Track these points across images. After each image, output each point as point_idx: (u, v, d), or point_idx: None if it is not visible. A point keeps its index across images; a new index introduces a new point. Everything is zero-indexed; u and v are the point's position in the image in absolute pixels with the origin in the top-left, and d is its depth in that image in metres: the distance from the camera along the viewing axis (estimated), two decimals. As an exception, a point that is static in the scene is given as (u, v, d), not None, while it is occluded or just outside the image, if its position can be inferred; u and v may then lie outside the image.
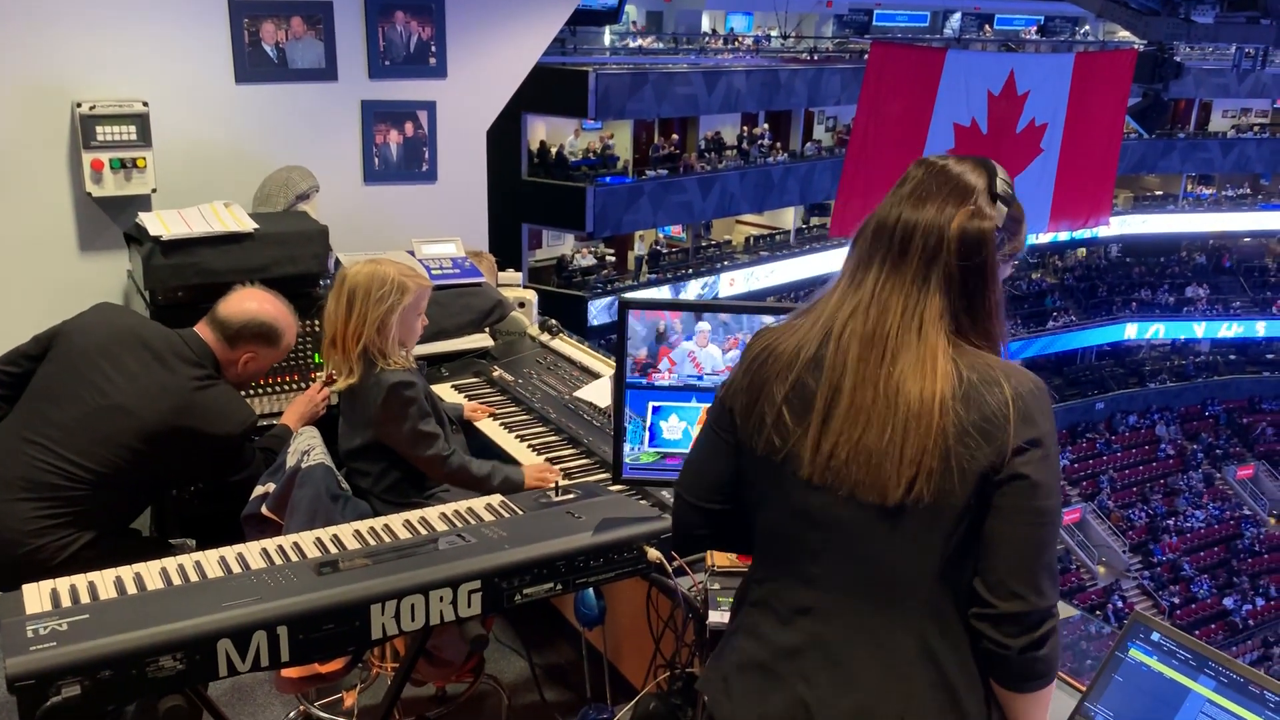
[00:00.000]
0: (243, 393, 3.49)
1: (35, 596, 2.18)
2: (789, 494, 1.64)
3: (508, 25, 4.37)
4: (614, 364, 3.65)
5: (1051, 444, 1.54)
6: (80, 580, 2.25)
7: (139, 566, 2.31)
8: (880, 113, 9.41)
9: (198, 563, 2.35)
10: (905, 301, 1.57)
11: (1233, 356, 26.63)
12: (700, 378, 2.38)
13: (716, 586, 2.37)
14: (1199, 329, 25.96)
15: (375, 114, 4.16)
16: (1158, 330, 26.05)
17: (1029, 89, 9.85)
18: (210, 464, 3.11)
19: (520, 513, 2.61)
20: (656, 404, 2.43)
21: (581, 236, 19.08)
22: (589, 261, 19.20)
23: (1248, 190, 26.98)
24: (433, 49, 4.20)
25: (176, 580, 2.27)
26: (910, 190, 1.62)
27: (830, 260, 21.51)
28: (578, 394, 3.47)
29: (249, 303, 3.14)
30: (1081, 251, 26.85)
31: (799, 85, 19.72)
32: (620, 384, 2.40)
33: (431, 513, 2.61)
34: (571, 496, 2.69)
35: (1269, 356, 26.01)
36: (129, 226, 3.60)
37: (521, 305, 4.07)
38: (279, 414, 3.59)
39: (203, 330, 3.09)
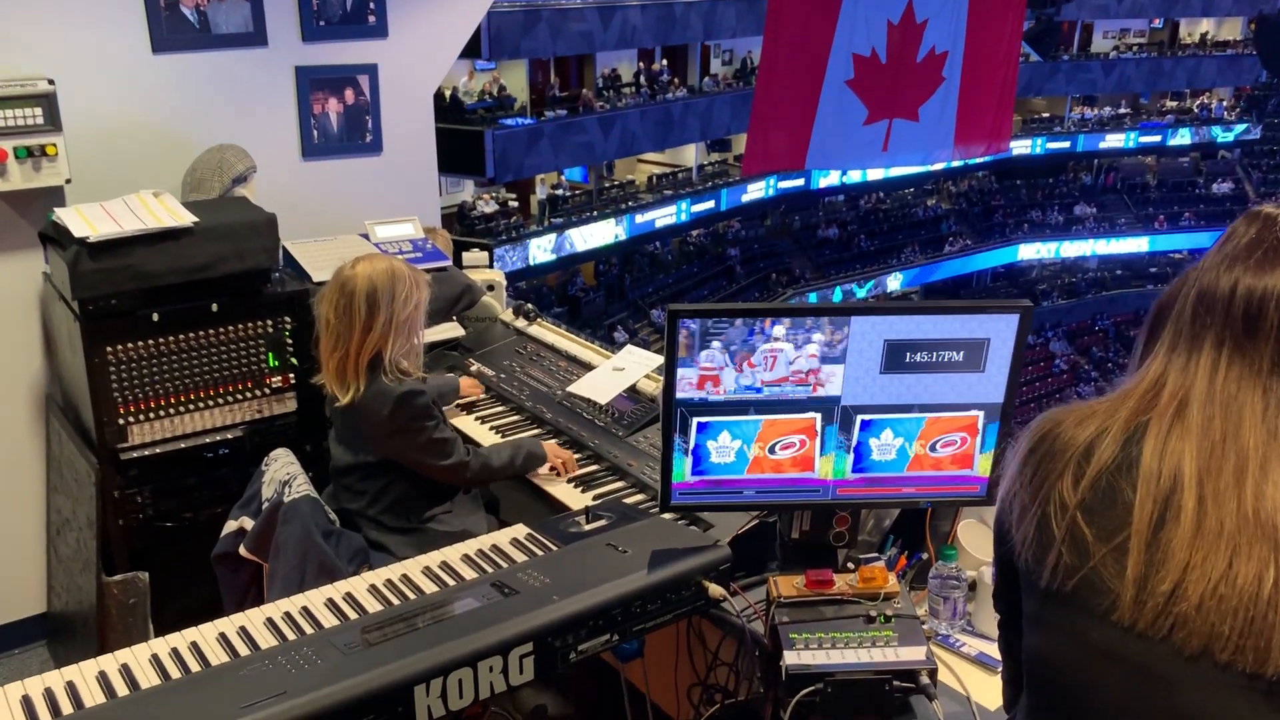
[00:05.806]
0: (203, 406, 3.17)
1: (3, 704, 1.81)
2: (1087, 630, 1.26)
3: (451, -25, 3.95)
4: (607, 354, 3.38)
5: None
6: (54, 679, 1.88)
7: (123, 655, 1.95)
8: (783, 45, 9.17)
9: (193, 644, 2.00)
10: (1264, 394, 1.22)
11: (1119, 272, 27.37)
12: (759, 389, 2.08)
13: (786, 619, 2.10)
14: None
15: (311, 81, 3.71)
16: (1055, 250, 26.58)
17: (927, 16, 9.69)
18: None
19: (554, 548, 2.31)
20: (703, 420, 2.10)
21: (481, 182, 18.46)
22: (491, 208, 18.61)
23: (1128, 110, 27.55)
24: (371, 6, 3.75)
25: (173, 670, 1.92)
26: (1243, 250, 1.27)
27: (733, 197, 21.28)
28: (571, 389, 3.15)
29: None
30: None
31: (694, 18, 19.31)
32: (669, 400, 2.09)
33: (453, 555, 2.29)
34: (604, 523, 2.40)
35: (1153, 270, 26.75)
36: (43, 224, 3.13)
37: (490, 288, 3.70)
38: (235, 425, 3.22)
39: None
